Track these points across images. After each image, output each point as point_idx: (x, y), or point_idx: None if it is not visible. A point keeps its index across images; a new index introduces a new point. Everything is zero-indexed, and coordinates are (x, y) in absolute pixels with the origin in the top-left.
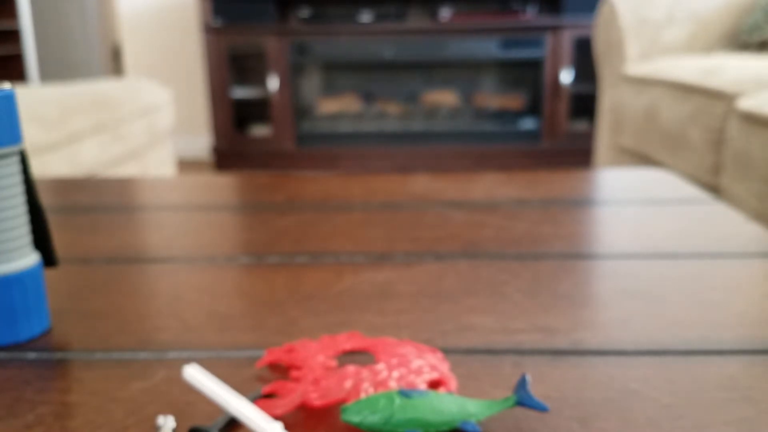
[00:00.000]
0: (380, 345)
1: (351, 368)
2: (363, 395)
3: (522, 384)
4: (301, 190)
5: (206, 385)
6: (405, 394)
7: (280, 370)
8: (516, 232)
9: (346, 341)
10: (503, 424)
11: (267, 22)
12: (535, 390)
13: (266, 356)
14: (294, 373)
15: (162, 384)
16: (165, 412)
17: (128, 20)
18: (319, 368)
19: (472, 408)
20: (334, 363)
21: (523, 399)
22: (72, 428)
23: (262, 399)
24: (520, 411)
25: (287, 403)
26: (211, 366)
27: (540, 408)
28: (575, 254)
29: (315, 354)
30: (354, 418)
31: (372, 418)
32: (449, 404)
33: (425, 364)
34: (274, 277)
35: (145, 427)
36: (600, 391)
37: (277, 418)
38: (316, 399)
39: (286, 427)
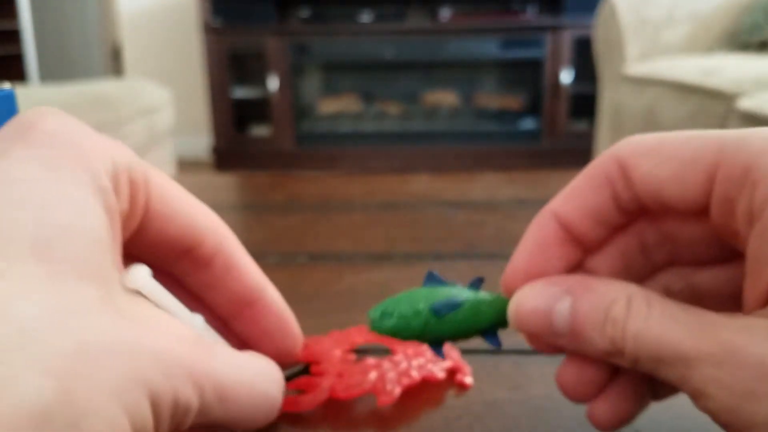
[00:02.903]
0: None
1: (372, 360)
2: (389, 386)
3: None
4: (301, 190)
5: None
6: (437, 311)
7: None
8: (516, 232)
9: (357, 334)
10: (503, 423)
11: (267, 22)
12: (535, 390)
13: None
14: (316, 369)
15: None
16: None
17: (128, 20)
18: (339, 362)
19: (494, 319)
20: (352, 356)
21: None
22: None
23: (288, 395)
24: (520, 409)
25: (315, 397)
26: None
27: None
28: None
29: (330, 348)
30: (386, 323)
31: (404, 333)
32: (476, 317)
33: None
34: (274, 277)
35: None
36: None
37: (305, 412)
38: (342, 392)
39: (313, 421)
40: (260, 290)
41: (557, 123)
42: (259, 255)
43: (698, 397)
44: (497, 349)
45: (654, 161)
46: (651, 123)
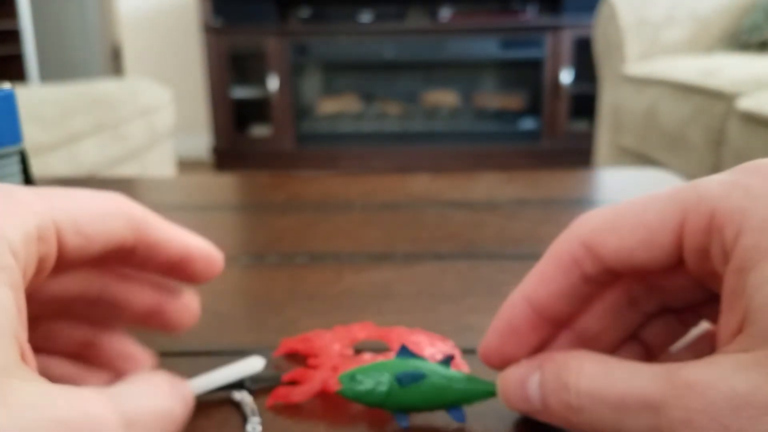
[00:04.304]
0: (393, 334)
1: (367, 356)
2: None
3: None
4: (301, 190)
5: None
6: (401, 380)
7: (296, 360)
8: (516, 232)
9: (360, 330)
10: (502, 423)
11: (267, 22)
12: None
13: (282, 346)
14: (312, 361)
15: None
16: None
17: (128, 20)
18: (336, 356)
19: (458, 395)
20: (350, 351)
21: None
22: None
23: (282, 386)
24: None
25: (308, 389)
26: (211, 366)
27: None
28: None
29: (330, 343)
30: (348, 395)
31: (365, 399)
32: (440, 392)
33: (437, 352)
34: (274, 277)
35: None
36: None
37: (297, 404)
38: (335, 385)
39: (309, 415)
40: (183, 252)
41: (557, 123)
42: (259, 255)
43: None
44: (462, 424)
45: (619, 234)
46: (651, 123)
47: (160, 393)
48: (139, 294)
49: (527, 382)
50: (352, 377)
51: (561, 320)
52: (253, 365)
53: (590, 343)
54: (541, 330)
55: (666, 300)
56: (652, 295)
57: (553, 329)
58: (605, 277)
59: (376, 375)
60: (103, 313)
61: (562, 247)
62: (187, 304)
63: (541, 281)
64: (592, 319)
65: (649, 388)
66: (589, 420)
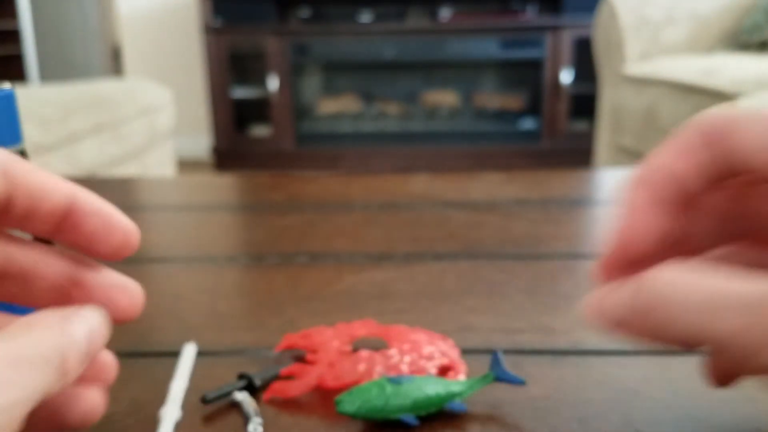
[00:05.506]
0: (393, 332)
1: (365, 353)
2: (376, 378)
3: (496, 361)
4: (301, 190)
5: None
6: (394, 381)
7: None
8: (516, 232)
9: (360, 328)
10: (503, 423)
11: (267, 22)
12: (535, 390)
13: (283, 341)
14: (310, 357)
15: (162, 384)
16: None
17: (128, 20)
18: (334, 352)
19: (456, 387)
20: (348, 348)
21: (499, 375)
22: None
23: (280, 380)
24: (520, 409)
25: (304, 384)
26: (211, 366)
27: (516, 381)
28: (575, 254)
29: (330, 339)
30: (349, 408)
31: (367, 407)
32: (435, 386)
33: (436, 350)
34: (274, 277)
35: (146, 426)
36: (600, 391)
37: (293, 398)
38: (330, 381)
39: (303, 407)
40: (68, 199)
41: (557, 123)
42: (259, 255)
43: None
44: (461, 413)
45: (760, 127)
46: (651, 123)
47: (46, 333)
48: (50, 262)
49: (618, 292)
50: (348, 394)
51: (689, 202)
52: (189, 351)
53: (688, 245)
54: (674, 214)
55: (754, 227)
56: (743, 218)
57: (676, 223)
58: (721, 173)
59: (369, 385)
60: (14, 292)
61: (696, 127)
62: (117, 280)
63: (679, 155)
64: (698, 219)
65: (747, 287)
66: (674, 322)
